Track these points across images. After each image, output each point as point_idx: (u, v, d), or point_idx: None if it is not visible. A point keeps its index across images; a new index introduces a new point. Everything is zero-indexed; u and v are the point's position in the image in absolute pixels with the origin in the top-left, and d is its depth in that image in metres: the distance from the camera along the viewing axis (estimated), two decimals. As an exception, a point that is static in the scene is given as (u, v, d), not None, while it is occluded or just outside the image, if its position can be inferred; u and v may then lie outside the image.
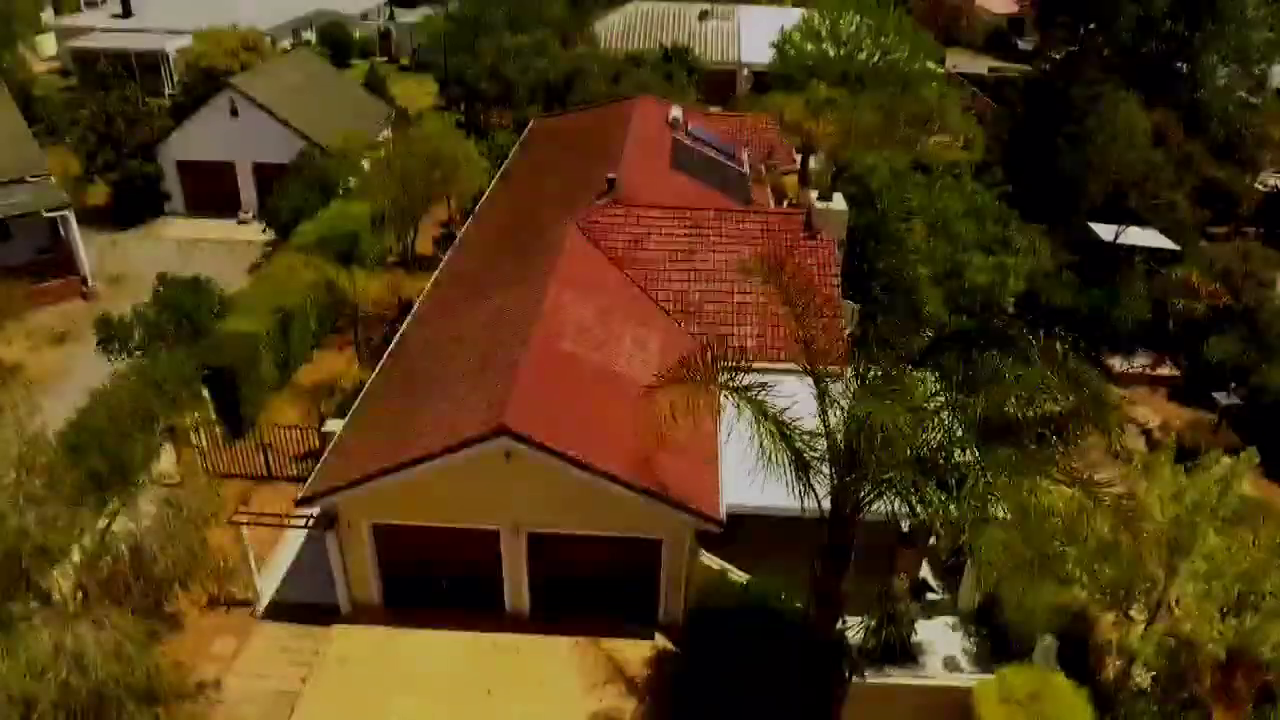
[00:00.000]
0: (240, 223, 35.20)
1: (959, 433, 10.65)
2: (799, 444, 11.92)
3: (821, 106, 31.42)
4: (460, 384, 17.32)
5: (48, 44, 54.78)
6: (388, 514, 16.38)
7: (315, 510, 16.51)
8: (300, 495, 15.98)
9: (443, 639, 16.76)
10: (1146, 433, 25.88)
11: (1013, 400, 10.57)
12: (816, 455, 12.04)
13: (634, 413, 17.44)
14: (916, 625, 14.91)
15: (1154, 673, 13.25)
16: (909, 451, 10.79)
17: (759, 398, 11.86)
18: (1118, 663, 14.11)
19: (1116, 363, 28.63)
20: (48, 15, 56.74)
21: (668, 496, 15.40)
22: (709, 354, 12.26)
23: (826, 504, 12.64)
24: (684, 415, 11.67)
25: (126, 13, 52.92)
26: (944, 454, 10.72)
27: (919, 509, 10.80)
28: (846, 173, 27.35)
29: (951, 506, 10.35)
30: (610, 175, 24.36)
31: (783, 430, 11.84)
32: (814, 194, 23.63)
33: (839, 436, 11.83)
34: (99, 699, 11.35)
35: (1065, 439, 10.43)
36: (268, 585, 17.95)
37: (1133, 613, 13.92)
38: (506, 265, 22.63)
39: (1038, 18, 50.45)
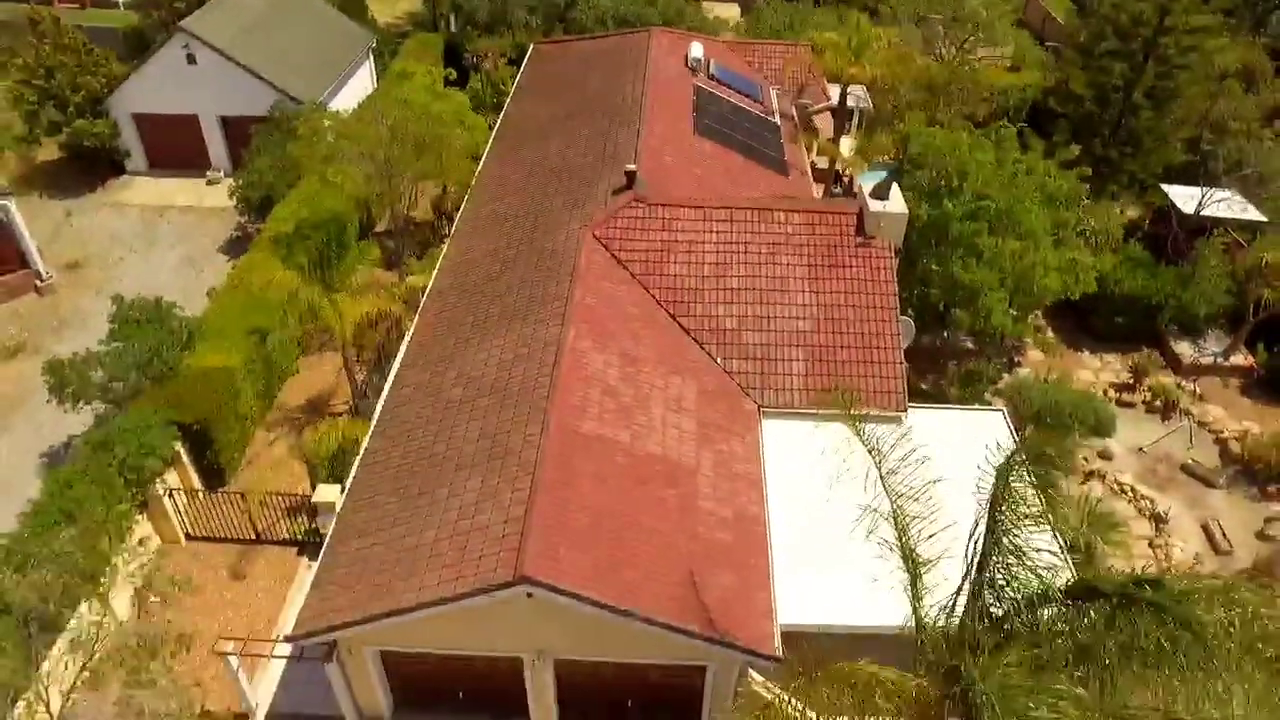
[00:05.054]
0: (209, 183, 31.58)
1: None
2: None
3: (865, 47, 27.30)
4: (468, 480, 14.78)
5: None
6: (393, 643, 14.33)
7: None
8: (287, 634, 13.77)
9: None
10: (1221, 443, 23.50)
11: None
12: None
13: (671, 504, 15.24)
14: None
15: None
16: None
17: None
18: None
19: (1185, 350, 25.95)
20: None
21: (717, 636, 13.23)
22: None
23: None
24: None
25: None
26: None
27: None
28: (905, 151, 23.83)
29: None
30: (630, 167, 20.96)
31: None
32: (867, 191, 20.32)
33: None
34: None
35: None
36: (264, 695, 16.07)
37: None
38: (511, 284, 19.62)
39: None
